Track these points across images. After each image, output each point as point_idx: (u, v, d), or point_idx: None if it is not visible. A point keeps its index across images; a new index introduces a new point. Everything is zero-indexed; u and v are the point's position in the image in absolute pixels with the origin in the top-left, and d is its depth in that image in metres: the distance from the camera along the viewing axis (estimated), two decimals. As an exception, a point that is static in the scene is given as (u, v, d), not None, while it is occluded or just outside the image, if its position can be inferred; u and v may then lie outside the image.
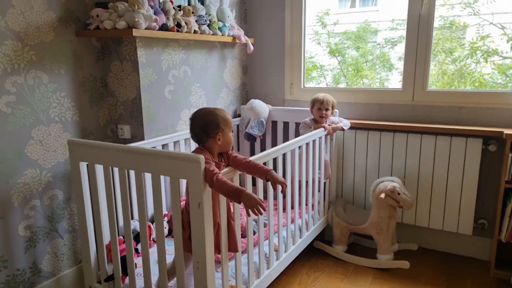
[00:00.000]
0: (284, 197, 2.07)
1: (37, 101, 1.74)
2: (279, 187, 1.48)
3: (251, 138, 2.57)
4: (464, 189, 2.19)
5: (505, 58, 2.42)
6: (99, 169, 1.58)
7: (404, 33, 2.37)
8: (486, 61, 2.49)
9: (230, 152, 1.57)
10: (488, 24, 2.38)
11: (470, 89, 2.42)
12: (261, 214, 1.33)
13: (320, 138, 2.26)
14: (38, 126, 1.76)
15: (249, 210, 1.32)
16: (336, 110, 2.42)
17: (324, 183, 2.40)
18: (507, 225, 2.00)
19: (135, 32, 1.76)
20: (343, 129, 2.35)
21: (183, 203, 1.54)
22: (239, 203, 1.34)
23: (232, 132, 1.55)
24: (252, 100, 2.58)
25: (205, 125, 1.48)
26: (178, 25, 1.99)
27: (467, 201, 2.19)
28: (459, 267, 2.22)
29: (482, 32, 2.42)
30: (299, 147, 2.02)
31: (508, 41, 2.34)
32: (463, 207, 2.21)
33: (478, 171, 2.14)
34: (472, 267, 2.21)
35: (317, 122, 2.32)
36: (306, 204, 2.17)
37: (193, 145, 2.26)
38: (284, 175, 1.97)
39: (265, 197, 2.24)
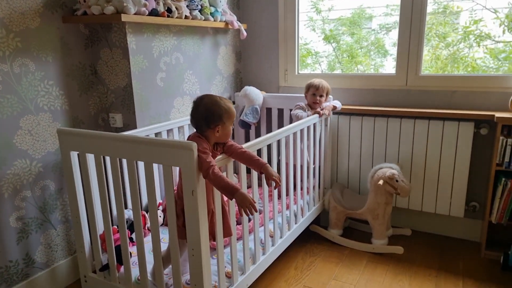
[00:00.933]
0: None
1: (25, 90, 1.70)
2: (273, 183, 1.49)
3: (245, 125, 2.55)
4: (456, 173, 2.21)
5: (497, 42, 2.42)
6: (91, 158, 1.55)
7: (398, 18, 2.35)
8: (479, 45, 2.48)
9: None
10: (481, 8, 2.37)
11: (462, 74, 2.43)
12: (252, 214, 1.35)
13: (314, 124, 2.25)
14: (26, 116, 1.72)
15: (241, 209, 1.34)
16: (330, 96, 2.41)
17: (319, 168, 2.41)
18: (497, 207, 2.03)
19: (124, 18, 1.71)
20: (335, 108, 2.34)
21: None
22: (231, 199, 1.35)
23: (233, 125, 1.53)
24: (246, 87, 2.55)
25: (208, 115, 1.44)
26: (169, 10, 1.95)
27: (459, 184, 2.22)
28: (451, 249, 2.26)
29: (475, 16, 2.41)
30: (294, 133, 2.01)
31: (500, 25, 2.34)
32: (455, 190, 2.23)
33: (470, 155, 2.16)
34: (463, 249, 2.25)
35: (310, 107, 2.31)
36: (302, 189, 2.18)
37: (187, 134, 2.23)
38: (278, 161, 1.96)
39: (260, 184, 2.24)
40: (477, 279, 1.95)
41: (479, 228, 2.30)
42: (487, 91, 2.18)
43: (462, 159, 2.18)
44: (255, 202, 1.34)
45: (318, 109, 2.19)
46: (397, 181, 2.09)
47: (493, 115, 2.01)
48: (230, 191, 1.32)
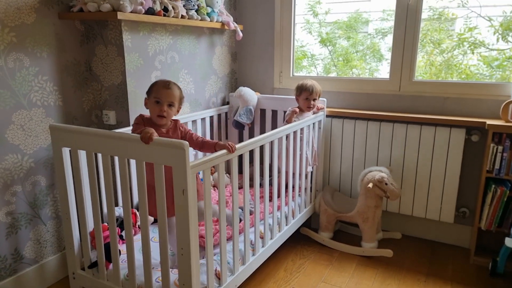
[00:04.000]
0: (270, 184, 2.08)
1: (18, 85, 1.69)
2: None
3: (239, 126, 2.56)
4: (447, 178, 2.23)
5: (491, 50, 2.45)
6: (82, 155, 1.55)
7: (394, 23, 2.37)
8: (473, 53, 2.51)
9: (188, 130, 1.65)
10: (476, 16, 2.40)
11: (455, 80, 2.45)
12: (146, 142, 1.30)
13: (308, 126, 2.26)
14: (19, 111, 1.71)
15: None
16: (324, 99, 2.42)
17: (312, 171, 2.42)
18: (487, 214, 2.05)
19: (120, 15, 1.71)
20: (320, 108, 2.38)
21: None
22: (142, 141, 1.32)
23: (158, 103, 1.54)
24: (241, 88, 2.56)
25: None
26: (165, 9, 1.95)
27: (449, 190, 2.24)
28: (440, 254, 2.28)
29: (469, 24, 2.44)
30: (287, 135, 2.02)
31: (494, 33, 2.37)
32: (446, 195, 2.25)
33: (461, 161, 2.18)
34: (453, 254, 2.27)
35: (301, 111, 2.31)
36: (293, 191, 2.19)
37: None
38: (271, 163, 1.97)
39: (251, 185, 2.24)
40: (465, 285, 1.97)
41: (469, 234, 2.32)
42: (479, 98, 2.21)
43: (453, 165, 2.20)
44: (150, 141, 1.30)
45: (310, 113, 2.18)
46: (386, 184, 2.10)
47: (485, 122, 2.04)
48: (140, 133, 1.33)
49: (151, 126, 1.54)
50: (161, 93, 1.55)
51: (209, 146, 1.60)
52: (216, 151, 1.52)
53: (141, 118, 1.58)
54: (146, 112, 2.06)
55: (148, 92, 1.60)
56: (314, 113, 2.34)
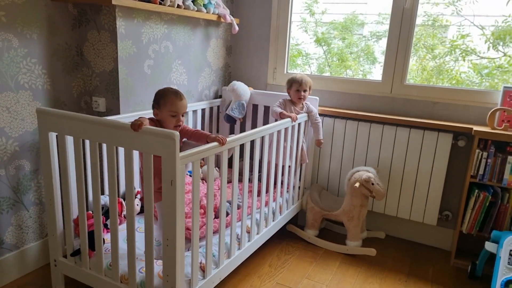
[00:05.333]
0: (259, 180, 2.08)
1: (5, 66, 1.65)
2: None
3: (231, 120, 2.55)
4: (432, 181, 2.27)
5: (482, 58, 2.50)
6: (70, 140, 1.52)
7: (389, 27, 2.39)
8: (464, 60, 2.55)
9: (182, 126, 1.65)
10: (469, 24, 2.43)
11: (445, 86, 2.49)
12: (135, 130, 1.30)
13: (299, 124, 2.27)
14: (5, 92, 1.67)
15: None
16: (316, 97, 2.43)
17: (300, 168, 2.43)
18: (469, 218, 2.09)
19: (114, 1, 1.68)
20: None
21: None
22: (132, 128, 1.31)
23: (174, 116, 1.57)
24: (234, 82, 2.55)
25: (154, 98, 1.64)
26: (161, -3, 1.92)
27: (434, 193, 2.28)
28: (422, 255, 2.32)
29: (462, 31, 2.48)
30: (278, 131, 2.02)
31: (486, 42, 2.41)
32: (430, 198, 2.30)
33: (447, 165, 2.22)
34: (434, 256, 2.32)
35: (293, 103, 2.32)
36: (282, 187, 2.19)
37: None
38: (261, 158, 1.97)
39: (241, 179, 2.24)
40: (445, 286, 2.01)
41: (450, 237, 2.37)
42: (467, 104, 2.25)
43: (439, 169, 2.24)
44: (139, 128, 1.30)
45: (293, 114, 2.17)
46: (372, 184, 2.13)
47: (471, 128, 2.08)
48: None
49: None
50: (177, 107, 1.58)
51: (201, 136, 1.60)
52: (207, 143, 1.52)
53: (152, 121, 1.58)
54: (139, 101, 2.04)
55: (158, 103, 1.59)
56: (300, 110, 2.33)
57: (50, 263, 1.68)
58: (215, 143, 1.49)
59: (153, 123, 1.58)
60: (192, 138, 1.65)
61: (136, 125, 1.30)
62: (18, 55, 1.69)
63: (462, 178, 2.27)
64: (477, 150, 2.04)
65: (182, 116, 1.61)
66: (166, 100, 1.57)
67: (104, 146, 1.74)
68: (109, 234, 1.61)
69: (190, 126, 2.40)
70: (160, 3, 1.91)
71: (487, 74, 2.51)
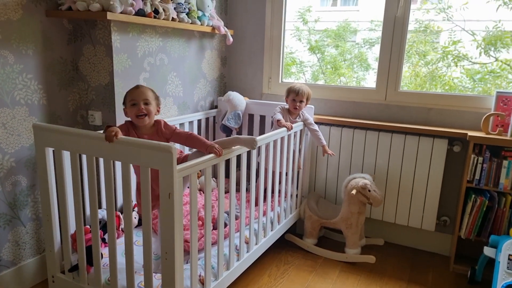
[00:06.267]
0: (256, 189, 2.07)
1: (1, 82, 1.65)
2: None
3: (227, 130, 2.56)
4: (429, 187, 2.28)
5: (474, 63, 2.53)
6: (66, 155, 1.52)
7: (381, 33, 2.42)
8: (456, 65, 2.59)
9: (173, 128, 1.62)
10: (460, 30, 2.47)
11: (439, 92, 2.52)
12: (110, 141, 1.33)
13: (295, 133, 2.28)
14: (1, 108, 1.67)
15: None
16: (311, 106, 2.45)
17: (298, 177, 2.43)
18: (466, 223, 2.10)
19: (109, 16, 1.70)
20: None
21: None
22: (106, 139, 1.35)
23: (134, 105, 1.54)
24: (230, 92, 2.56)
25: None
26: (156, 11, 1.94)
27: (431, 198, 2.29)
28: (421, 261, 2.32)
29: (454, 37, 2.52)
30: (274, 140, 2.03)
31: (477, 47, 2.45)
32: (427, 204, 2.30)
33: (443, 170, 2.24)
34: (433, 262, 2.32)
35: (289, 112, 2.33)
36: (279, 196, 2.19)
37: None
38: (258, 168, 1.98)
39: (238, 189, 2.24)
40: (444, 291, 2.02)
41: (449, 242, 2.38)
42: (461, 110, 2.27)
43: (435, 175, 2.26)
44: (114, 138, 1.33)
45: (288, 123, 2.17)
46: (369, 191, 2.14)
47: (466, 134, 2.10)
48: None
49: (136, 133, 1.56)
50: (134, 94, 1.56)
51: (196, 143, 1.58)
52: (209, 153, 1.51)
53: (125, 123, 1.58)
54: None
55: (124, 102, 1.60)
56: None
57: (48, 279, 1.67)
58: (212, 154, 1.50)
59: (125, 126, 1.56)
60: (187, 143, 1.61)
61: (111, 136, 1.32)
62: (14, 71, 1.69)
63: (458, 183, 2.28)
64: (472, 155, 2.05)
65: (147, 104, 1.55)
66: (126, 95, 1.59)
67: (101, 160, 1.74)
68: (106, 248, 1.60)
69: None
70: (154, 17, 1.93)
71: (479, 79, 2.55)
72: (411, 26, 2.38)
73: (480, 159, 2.04)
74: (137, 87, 1.59)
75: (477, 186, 2.07)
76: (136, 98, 1.54)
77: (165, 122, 1.64)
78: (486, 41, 2.43)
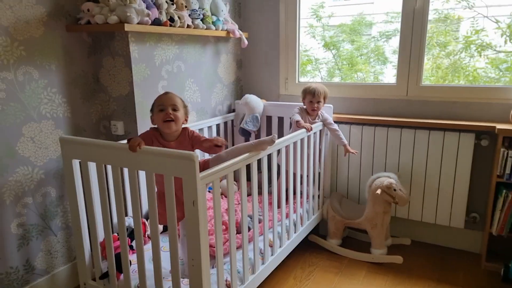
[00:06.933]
0: (278, 192, 2.07)
1: (28, 98, 1.72)
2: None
3: (245, 133, 2.56)
4: (457, 183, 2.21)
5: (498, 52, 2.43)
6: (92, 166, 1.57)
7: (398, 26, 2.36)
8: (480, 55, 2.49)
9: (195, 135, 1.61)
10: (482, 17, 2.38)
11: (463, 84, 2.43)
12: (134, 151, 1.35)
13: (315, 133, 2.26)
14: (29, 123, 1.73)
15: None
16: (330, 105, 2.42)
17: (319, 177, 2.41)
18: (498, 219, 2.02)
19: (127, 27, 1.73)
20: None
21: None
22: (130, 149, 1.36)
23: (162, 110, 1.53)
24: (247, 95, 2.56)
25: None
26: (171, 19, 1.97)
27: (459, 195, 2.22)
28: (451, 260, 2.26)
29: (476, 26, 2.42)
30: (294, 142, 2.02)
31: (502, 35, 2.35)
32: (455, 201, 2.23)
33: (470, 166, 2.16)
34: (463, 260, 2.25)
35: (307, 113, 2.31)
36: (301, 197, 2.18)
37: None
38: (278, 170, 1.97)
39: (260, 192, 2.24)
40: (477, 291, 1.95)
41: (480, 239, 2.30)
42: (488, 102, 2.19)
43: (463, 170, 2.18)
44: (138, 148, 1.35)
45: (308, 125, 2.15)
46: (394, 190, 2.09)
47: (494, 127, 2.02)
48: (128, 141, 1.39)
49: (161, 140, 1.56)
50: (162, 100, 1.56)
51: (210, 148, 1.58)
52: (216, 146, 1.53)
53: (150, 130, 1.59)
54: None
55: (152, 109, 1.60)
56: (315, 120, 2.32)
57: (80, 287, 1.72)
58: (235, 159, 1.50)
59: (149, 135, 1.55)
60: (202, 147, 1.60)
61: (134, 146, 1.34)
62: (39, 86, 1.75)
63: (487, 179, 2.20)
64: (501, 149, 1.97)
65: (175, 110, 1.54)
66: (155, 101, 1.59)
67: (126, 170, 1.78)
68: (134, 255, 1.63)
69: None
70: (170, 25, 1.95)
71: (506, 69, 2.44)
72: (430, 17, 2.31)
73: (511, 152, 1.96)
74: (166, 93, 1.60)
75: (508, 180, 1.99)
76: (164, 103, 1.54)
77: (192, 131, 1.63)
78: (512, 28, 2.33)
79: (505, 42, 2.36)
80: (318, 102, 2.26)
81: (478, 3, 2.34)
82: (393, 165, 2.36)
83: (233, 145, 2.75)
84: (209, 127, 2.45)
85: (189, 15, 2.08)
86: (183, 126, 1.62)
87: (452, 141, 2.18)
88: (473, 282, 2.03)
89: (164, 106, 1.53)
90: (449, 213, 2.26)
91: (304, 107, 2.34)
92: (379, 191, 2.08)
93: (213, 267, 1.65)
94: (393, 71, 2.43)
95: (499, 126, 2.01)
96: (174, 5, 2.01)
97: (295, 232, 2.12)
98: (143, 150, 1.37)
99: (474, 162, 2.18)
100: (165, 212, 1.41)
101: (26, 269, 1.79)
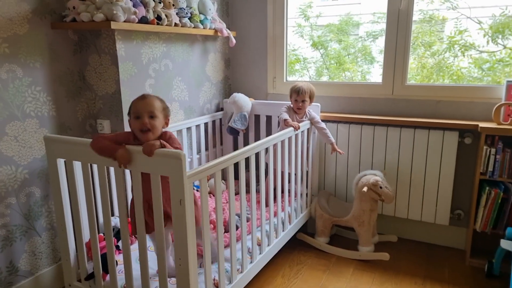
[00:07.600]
0: (266, 190, 2.07)
1: (12, 96, 1.68)
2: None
3: (234, 132, 2.56)
4: (441, 181, 2.25)
5: (481, 52, 2.49)
6: (78, 165, 1.54)
7: (385, 26, 2.40)
8: (464, 55, 2.54)
9: (169, 137, 1.45)
10: (465, 18, 2.43)
11: (447, 83, 2.48)
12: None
13: (302, 132, 2.27)
14: (12, 122, 1.70)
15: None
16: (318, 104, 2.43)
17: (307, 176, 2.43)
18: (481, 215, 2.07)
19: (113, 25, 1.71)
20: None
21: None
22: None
23: (138, 118, 1.41)
24: (235, 94, 2.56)
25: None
26: (158, 17, 1.95)
27: (444, 192, 2.26)
28: (436, 256, 2.30)
29: (460, 27, 2.47)
30: (282, 141, 2.03)
31: (484, 35, 2.40)
32: (440, 198, 2.27)
33: (455, 163, 2.21)
34: (449, 256, 2.29)
35: (295, 112, 2.33)
36: (289, 196, 2.19)
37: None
38: (266, 169, 1.98)
39: (248, 190, 2.24)
40: (462, 286, 1.98)
41: (464, 236, 2.34)
42: (471, 101, 2.23)
43: (447, 168, 2.23)
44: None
45: (295, 123, 2.16)
46: (380, 187, 2.12)
47: (477, 125, 2.06)
48: (110, 152, 1.36)
49: (122, 136, 1.46)
50: (138, 106, 1.42)
51: None
52: None
53: (121, 135, 1.47)
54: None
55: (129, 112, 1.46)
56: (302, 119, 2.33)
57: (65, 288, 1.69)
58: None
59: (128, 135, 1.46)
60: None
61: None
62: (23, 84, 1.72)
63: (471, 176, 2.25)
64: (484, 147, 2.02)
65: (152, 117, 1.40)
66: (131, 106, 1.45)
67: (112, 169, 1.76)
68: (121, 255, 1.61)
69: (193, 140, 2.41)
70: (157, 23, 1.94)
71: (488, 68, 2.50)
72: (415, 17, 2.35)
73: (493, 150, 2.00)
74: (143, 97, 1.45)
75: (491, 178, 2.04)
76: (140, 110, 1.40)
77: (171, 136, 1.46)
78: (494, 29, 2.38)
79: (487, 42, 2.41)
80: (303, 101, 2.27)
81: (462, 4, 2.40)
82: (379, 163, 2.39)
83: (221, 144, 2.74)
84: (197, 126, 2.44)
85: (177, 14, 2.07)
86: (164, 130, 1.49)
87: (437, 139, 2.22)
88: (458, 278, 2.07)
89: (140, 114, 1.40)
90: (434, 210, 2.30)
91: (291, 105, 2.35)
92: (365, 189, 2.11)
93: (200, 267, 1.65)
94: (380, 71, 2.47)
95: (482, 124, 2.06)
96: (162, 3, 1.99)
97: (283, 231, 2.13)
98: (129, 149, 1.36)
99: (458, 160, 2.22)
100: (152, 223, 1.39)
101: (10, 271, 1.75)
